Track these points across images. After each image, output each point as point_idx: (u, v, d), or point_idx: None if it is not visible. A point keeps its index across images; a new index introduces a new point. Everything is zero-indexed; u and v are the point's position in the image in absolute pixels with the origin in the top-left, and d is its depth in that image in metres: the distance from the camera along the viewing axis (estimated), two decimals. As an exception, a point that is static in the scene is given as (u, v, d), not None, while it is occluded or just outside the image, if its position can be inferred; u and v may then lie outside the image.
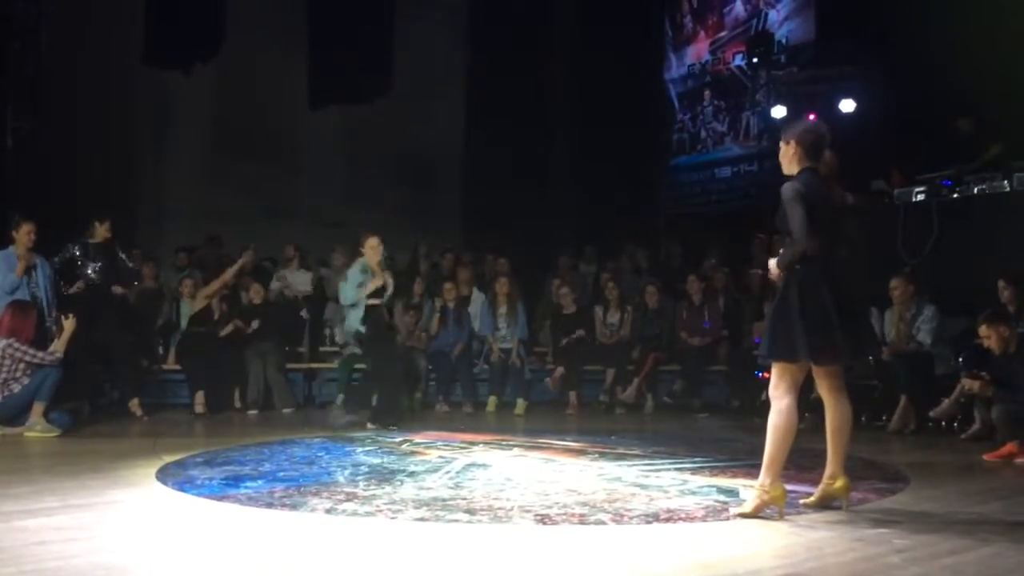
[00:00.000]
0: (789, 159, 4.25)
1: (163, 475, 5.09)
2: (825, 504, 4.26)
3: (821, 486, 4.29)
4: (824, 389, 4.24)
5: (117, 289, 7.90)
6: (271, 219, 11.69)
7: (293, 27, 12.01)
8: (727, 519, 4.12)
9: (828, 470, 4.26)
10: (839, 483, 4.23)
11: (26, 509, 4.22)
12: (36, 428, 6.68)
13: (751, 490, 4.19)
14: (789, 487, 4.28)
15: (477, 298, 9.50)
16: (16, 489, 4.68)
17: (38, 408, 6.72)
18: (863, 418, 7.76)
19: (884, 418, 7.42)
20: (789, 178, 4.21)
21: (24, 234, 7.35)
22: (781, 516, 4.06)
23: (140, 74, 11.42)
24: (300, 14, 12.10)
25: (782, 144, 4.29)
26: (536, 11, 12.76)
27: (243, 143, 11.94)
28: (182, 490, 4.72)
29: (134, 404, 7.90)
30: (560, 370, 8.96)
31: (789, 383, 4.12)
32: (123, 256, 8.14)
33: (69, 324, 6.99)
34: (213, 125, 12.20)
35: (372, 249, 7.49)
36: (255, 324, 8.70)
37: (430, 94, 12.96)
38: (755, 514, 4.08)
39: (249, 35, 11.41)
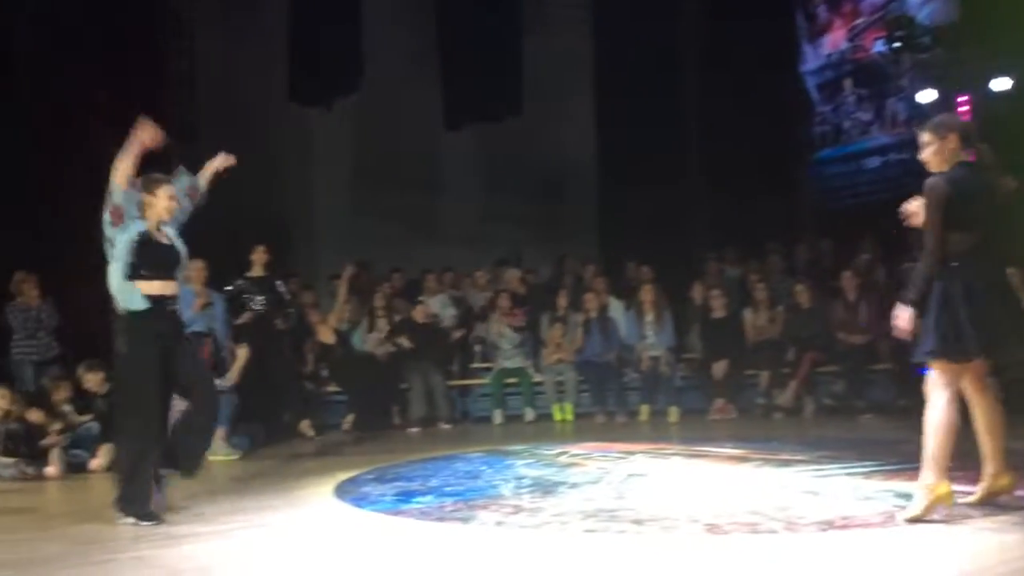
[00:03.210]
0: (945, 155, 4.06)
1: (339, 492, 5.33)
2: (989, 501, 4.10)
3: (985, 483, 4.14)
4: (971, 385, 4.08)
5: (279, 323, 8.31)
6: (415, 240, 12.05)
7: (425, 53, 12.35)
8: (908, 525, 3.97)
9: (990, 468, 4.11)
10: (1004, 479, 4.09)
11: (218, 529, 4.51)
12: (218, 452, 7.09)
13: (918, 492, 4.04)
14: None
15: (616, 307, 9.49)
16: (209, 509, 5.00)
17: (219, 432, 7.12)
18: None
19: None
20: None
21: (196, 271, 7.83)
22: (948, 511, 3.93)
23: (286, 111, 12.01)
24: (430, 39, 12.44)
25: (933, 139, 4.08)
26: (663, 13, 12.66)
27: (384, 168, 12.35)
28: (359, 506, 4.93)
29: (304, 425, 8.29)
30: (720, 402, 8.81)
31: (950, 379, 3.98)
32: (281, 289, 8.55)
33: (242, 353, 7.43)
34: (356, 153, 12.69)
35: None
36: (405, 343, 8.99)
37: (562, 105, 13.05)
38: (924, 516, 3.94)
39: (384, 65, 11.81)
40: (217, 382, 7.18)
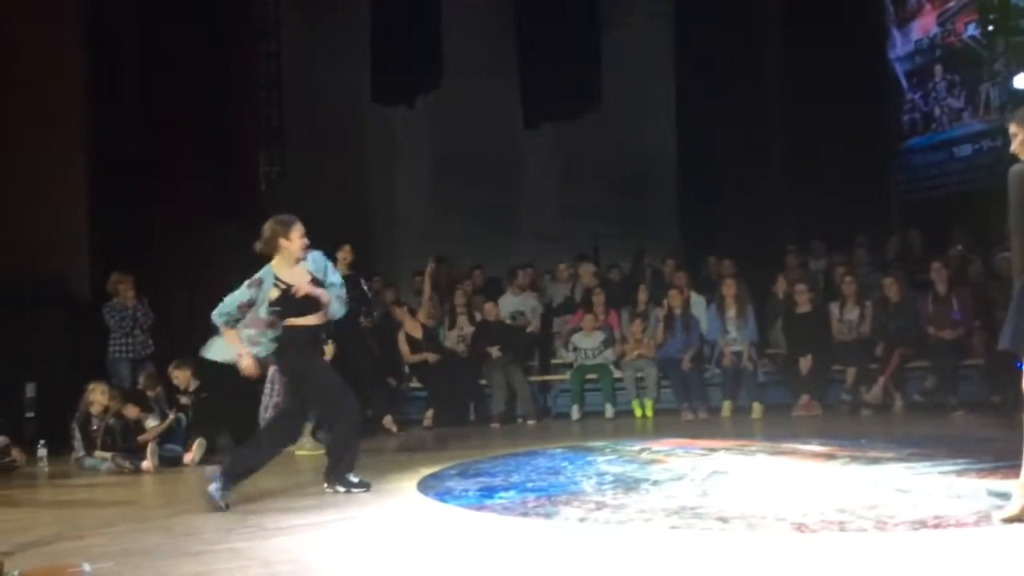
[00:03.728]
0: None
1: (423, 487, 5.42)
2: None
3: None
4: None
5: (363, 320, 8.46)
6: (495, 236, 12.13)
7: (503, 51, 12.41)
8: (1002, 525, 3.85)
9: None
10: None
11: (309, 522, 4.62)
12: (306, 446, 7.27)
13: (1016, 491, 3.90)
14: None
15: (697, 302, 9.38)
16: (298, 503, 5.15)
17: (306, 428, 7.31)
18: None
19: None
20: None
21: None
22: None
23: (369, 112, 12.21)
24: (509, 37, 12.49)
25: (1020, 129, 3.97)
26: (746, 2, 12.45)
27: (464, 166, 12.46)
28: (443, 501, 5.01)
29: (388, 421, 8.43)
30: (806, 398, 8.64)
31: None
32: (364, 285, 8.70)
33: (329, 350, 7.56)
34: (436, 152, 12.83)
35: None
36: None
37: (640, 99, 12.96)
38: (1022, 516, 3.80)
39: (464, 64, 11.91)
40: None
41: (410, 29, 11.77)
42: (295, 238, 5.21)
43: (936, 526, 3.92)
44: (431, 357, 8.99)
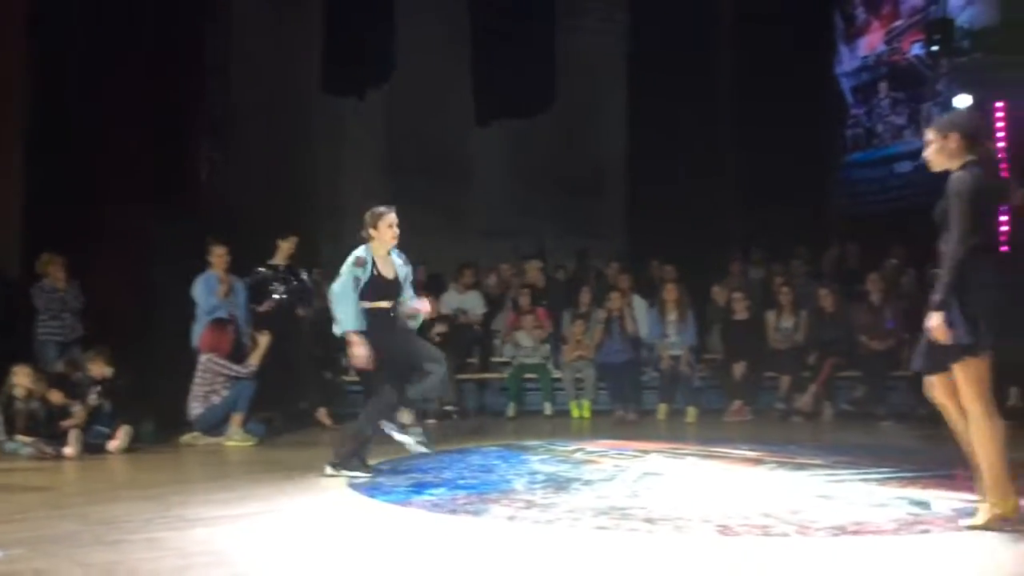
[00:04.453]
0: (948, 153, 3.98)
1: (353, 482, 5.34)
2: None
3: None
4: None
5: (300, 311, 8.36)
6: (442, 232, 12.04)
7: (457, 46, 12.36)
8: (921, 532, 3.93)
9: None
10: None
11: (231, 514, 4.54)
12: (235, 437, 7.16)
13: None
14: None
15: (639, 305, 9.45)
16: (222, 495, 5.05)
17: (236, 418, 7.21)
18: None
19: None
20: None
21: (217, 257, 7.91)
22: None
23: (318, 102, 12.06)
24: (463, 34, 12.44)
25: (936, 137, 4.02)
26: (697, 10, 12.58)
27: (414, 161, 12.38)
28: (372, 496, 4.95)
29: (322, 414, 8.33)
30: (738, 403, 8.74)
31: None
32: (305, 277, 8.60)
33: (264, 340, 7.48)
34: (386, 145, 12.72)
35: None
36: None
37: (593, 101, 13.02)
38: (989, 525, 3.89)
39: (417, 57, 11.84)
40: (236, 368, 7.28)
41: (364, 20, 11.66)
42: (383, 228, 5.55)
43: (855, 532, 3.98)
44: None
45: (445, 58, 12.30)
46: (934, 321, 3.84)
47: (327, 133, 12.49)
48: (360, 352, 5.48)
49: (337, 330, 5.59)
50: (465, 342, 9.49)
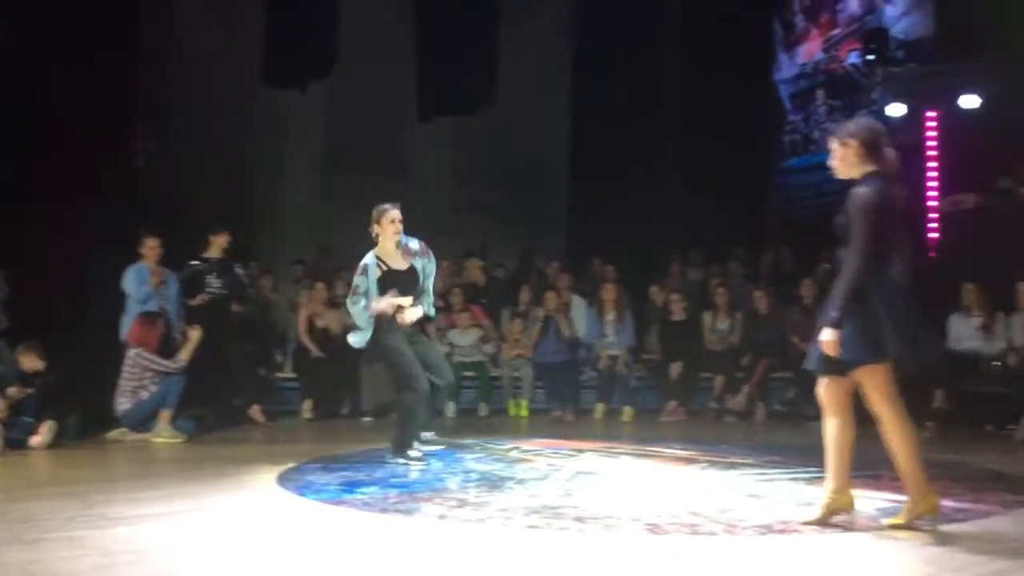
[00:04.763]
0: (850, 161, 4.00)
1: (284, 480, 5.27)
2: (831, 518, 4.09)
3: (827, 500, 4.13)
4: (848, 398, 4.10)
5: (235, 306, 8.23)
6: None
7: (401, 41, 12.27)
8: (843, 531, 4.01)
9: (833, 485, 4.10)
10: (847, 498, 4.12)
11: (156, 512, 4.44)
12: (163, 434, 7.01)
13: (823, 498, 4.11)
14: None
15: (578, 304, 9.49)
16: (146, 493, 4.93)
17: (165, 415, 7.05)
18: (989, 427, 7.46)
19: (1011, 427, 7.09)
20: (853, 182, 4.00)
21: (149, 249, 7.75)
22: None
23: (259, 94, 11.87)
24: (408, 28, 12.36)
25: (837, 146, 4.04)
26: (643, 12, 12.67)
27: (355, 155, 12.27)
28: (301, 495, 4.88)
29: (254, 411, 8.20)
30: (673, 404, 8.83)
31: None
32: (239, 271, 8.46)
33: (195, 334, 7.33)
34: (327, 139, 12.58)
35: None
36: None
37: (536, 100, 13.04)
38: (825, 520, 4.03)
39: (360, 51, 11.71)
40: (166, 363, 7.13)
41: (307, 11, 11.51)
42: (385, 224, 5.83)
43: (782, 531, 4.04)
44: (315, 350, 8.77)
45: (388, 52, 12.19)
46: (828, 337, 3.87)
47: (267, 125, 12.30)
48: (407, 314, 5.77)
49: (353, 341, 5.95)
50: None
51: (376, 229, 5.88)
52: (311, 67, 11.60)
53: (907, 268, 4.03)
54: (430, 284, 6.07)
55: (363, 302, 5.80)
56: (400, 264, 5.90)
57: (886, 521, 4.04)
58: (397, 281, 5.84)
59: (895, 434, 3.95)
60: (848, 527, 4.04)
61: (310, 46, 11.49)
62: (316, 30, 11.47)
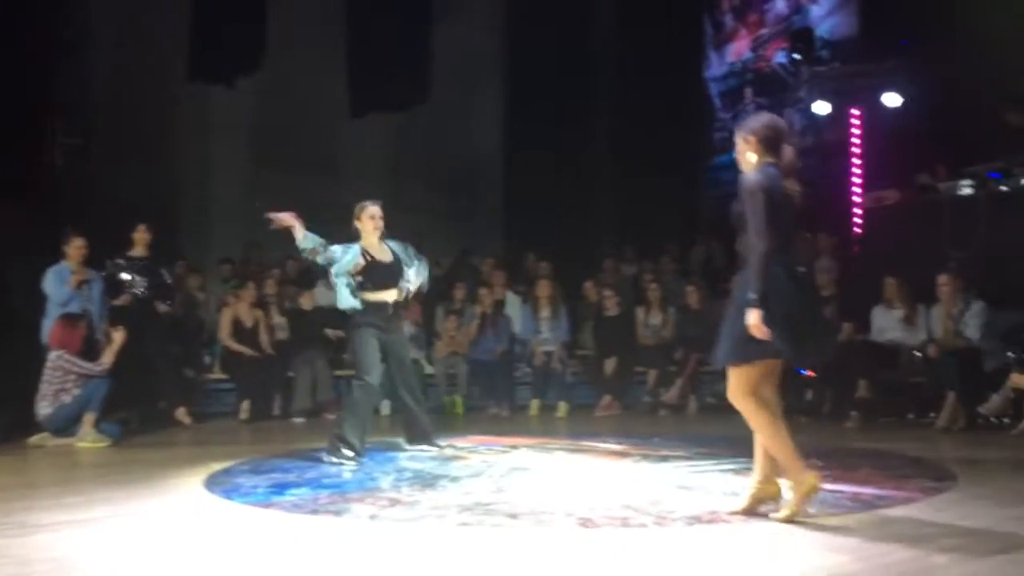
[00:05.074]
0: (746, 154, 4.12)
1: (211, 483, 5.17)
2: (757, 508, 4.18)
3: (753, 490, 4.23)
4: (773, 388, 4.19)
5: (161, 307, 8.05)
6: (314, 226, 11.76)
7: (332, 35, 12.12)
8: (765, 520, 4.08)
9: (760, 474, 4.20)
10: (773, 487, 4.20)
11: (78, 519, 4.32)
12: (87, 438, 6.81)
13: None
14: (834, 487, 4.24)
15: (512, 301, 9.49)
16: (68, 499, 4.79)
17: (88, 418, 6.86)
18: (911, 415, 7.67)
19: (932, 415, 7.30)
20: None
21: (75, 249, 7.53)
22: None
23: (184, 89, 11.60)
24: (339, 25, 12.21)
25: (739, 140, 4.15)
26: (575, 11, 12.73)
27: (285, 153, 12.07)
28: (229, 498, 4.79)
29: (181, 413, 8.03)
30: (607, 398, 8.89)
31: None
32: (163, 271, 8.28)
33: (118, 336, 7.14)
34: (256, 136, 12.36)
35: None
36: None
37: (469, 98, 13.01)
38: (752, 510, 4.13)
39: (289, 46, 11.53)
40: (89, 366, 6.94)
41: (234, 3, 11.28)
42: (365, 219, 6.06)
43: (710, 521, 4.10)
44: (248, 352, 8.61)
45: (319, 46, 12.02)
46: (753, 320, 3.93)
47: (194, 122, 12.05)
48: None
49: (340, 303, 6.12)
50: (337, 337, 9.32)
51: (357, 224, 6.08)
52: (238, 62, 11.38)
53: (803, 263, 4.12)
54: (416, 263, 6.25)
55: (322, 252, 5.99)
56: (384, 256, 6.12)
57: (773, 516, 4.05)
58: (382, 271, 6.06)
59: (761, 424, 4.07)
60: (771, 516, 4.11)
61: (237, 40, 11.26)
62: (243, 23, 11.25)
